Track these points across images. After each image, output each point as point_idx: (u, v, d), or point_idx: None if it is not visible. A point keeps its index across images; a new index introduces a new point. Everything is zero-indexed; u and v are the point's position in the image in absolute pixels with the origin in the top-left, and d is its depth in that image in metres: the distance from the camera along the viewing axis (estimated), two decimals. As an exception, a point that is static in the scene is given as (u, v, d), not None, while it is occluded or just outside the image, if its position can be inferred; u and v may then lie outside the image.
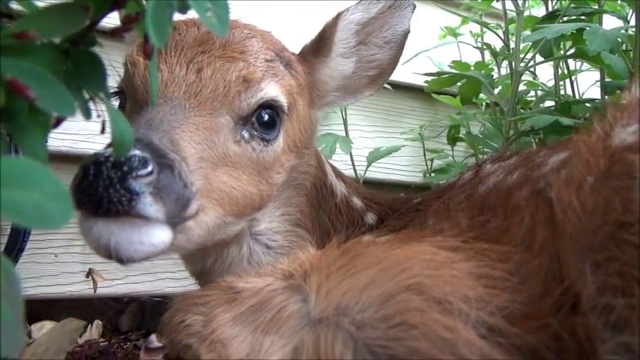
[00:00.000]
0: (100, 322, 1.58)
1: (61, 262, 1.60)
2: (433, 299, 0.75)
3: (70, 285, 1.60)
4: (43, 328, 1.43)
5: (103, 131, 0.62)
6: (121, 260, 0.79)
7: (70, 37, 0.58)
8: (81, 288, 1.60)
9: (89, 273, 1.50)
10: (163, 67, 0.95)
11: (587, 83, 1.84)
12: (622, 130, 0.74)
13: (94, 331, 1.53)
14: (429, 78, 1.76)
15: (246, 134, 0.98)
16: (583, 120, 1.42)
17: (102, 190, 0.74)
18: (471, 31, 1.99)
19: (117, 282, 1.66)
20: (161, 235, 0.81)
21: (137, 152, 0.77)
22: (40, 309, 1.63)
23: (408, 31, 1.19)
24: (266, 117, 1.00)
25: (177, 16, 1.03)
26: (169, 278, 1.73)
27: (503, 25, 1.73)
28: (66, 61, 0.57)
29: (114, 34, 0.56)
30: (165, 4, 0.50)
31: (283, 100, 1.03)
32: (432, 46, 1.90)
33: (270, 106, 1.01)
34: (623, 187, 0.68)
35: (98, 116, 0.63)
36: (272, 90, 1.00)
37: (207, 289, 1.03)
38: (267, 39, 1.08)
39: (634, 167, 0.68)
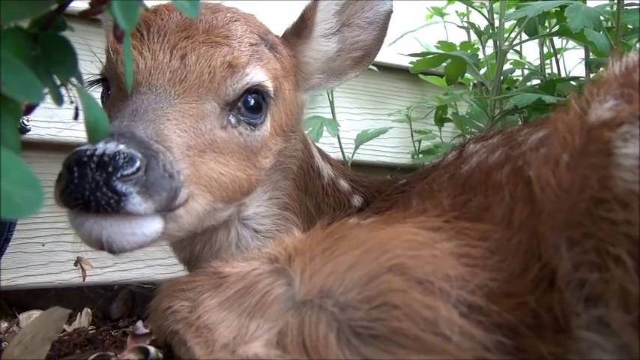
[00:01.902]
0: (89, 311, 1.58)
1: (49, 251, 1.60)
2: (415, 279, 0.75)
3: (59, 274, 1.60)
4: (31, 317, 1.42)
5: (76, 117, 0.61)
6: (113, 251, 0.80)
7: (38, 22, 0.57)
8: (70, 277, 1.59)
9: (77, 261, 1.49)
10: (146, 54, 0.94)
11: (573, 61, 1.84)
12: (598, 106, 0.74)
13: (84, 319, 1.53)
14: (415, 59, 1.75)
15: (232, 119, 0.98)
16: (567, 98, 1.42)
17: (88, 194, 0.74)
18: (456, 11, 1.98)
19: (106, 270, 1.66)
20: (152, 226, 0.81)
21: (122, 147, 0.76)
22: (28, 298, 1.63)
23: (391, 11, 1.18)
24: (252, 101, 1.00)
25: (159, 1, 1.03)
26: (159, 265, 1.73)
27: (488, 4, 1.72)
28: (35, 46, 0.56)
29: (82, 17, 0.55)
30: (132, -14, 0.49)
31: (269, 85, 1.02)
32: (419, 26, 1.89)
33: (257, 90, 1.00)
34: (599, 164, 0.68)
35: (71, 102, 0.62)
36: (258, 75, 1.00)
37: (194, 275, 1.03)
38: (250, 22, 1.07)
39: (610, 144, 0.68)
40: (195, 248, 1.12)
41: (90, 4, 0.55)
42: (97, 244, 0.78)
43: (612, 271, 0.63)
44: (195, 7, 0.53)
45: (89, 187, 0.74)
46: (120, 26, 0.50)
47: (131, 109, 0.87)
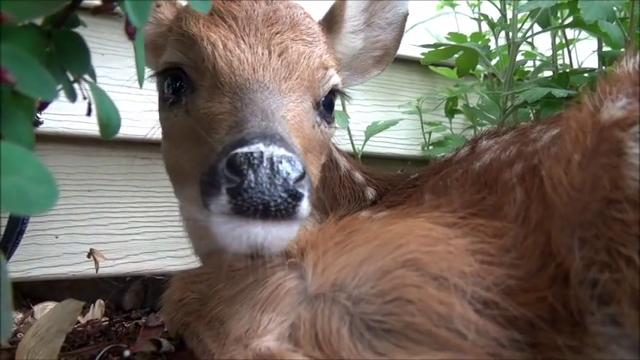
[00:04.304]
0: (102, 302, 1.59)
1: (62, 243, 1.61)
2: (429, 275, 0.75)
3: (72, 265, 1.61)
4: (46, 308, 1.44)
5: (89, 113, 0.61)
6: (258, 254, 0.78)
7: (52, 19, 0.57)
8: (83, 268, 1.61)
9: (90, 253, 1.50)
10: (244, 47, 0.91)
11: (586, 52, 1.82)
12: (611, 104, 0.73)
13: (97, 310, 1.54)
14: (426, 50, 1.73)
15: (318, 118, 0.99)
16: (579, 90, 1.41)
17: (268, 199, 0.72)
18: (467, 1, 1.95)
19: (119, 261, 1.67)
20: (297, 228, 0.80)
21: (284, 151, 0.74)
22: (43, 290, 1.65)
23: (407, 14, 1.21)
24: (329, 101, 1.01)
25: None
26: (170, 257, 1.74)
27: (499, -5, 1.70)
28: (49, 43, 0.56)
29: (95, 13, 0.55)
30: (145, -18, 0.49)
31: (341, 85, 1.04)
32: (430, 17, 1.87)
33: (335, 91, 1.02)
34: (611, 165, 0.67)
35: (84, 98, 0.62)
36: (336, 77, 1.02)
37: (206, 268, 1.03)
38: (311, 17, 1.08)
39: (622, 144, 0.67)
40: None
41: (102, 1, 0.55)
42: (250, 248, 0.76)
43: (623, 271, 0.62)
44: (207, 2, 0.53)
45: (268, 192, 0.72)
46: (131, 22, 0.50)
47: (259, 107, 0.84)
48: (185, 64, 0.95)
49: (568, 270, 0.69)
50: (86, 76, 0.61)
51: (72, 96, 0.58)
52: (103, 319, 1.45)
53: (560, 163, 0.75)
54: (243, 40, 0.92)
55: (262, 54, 0.91)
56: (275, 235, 0.75)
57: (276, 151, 0.74)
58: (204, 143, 0.83)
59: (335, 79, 1.01)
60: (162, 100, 1.00)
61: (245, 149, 0.73)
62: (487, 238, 0.78)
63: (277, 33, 0.95)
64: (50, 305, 1.46)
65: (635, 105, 0.71)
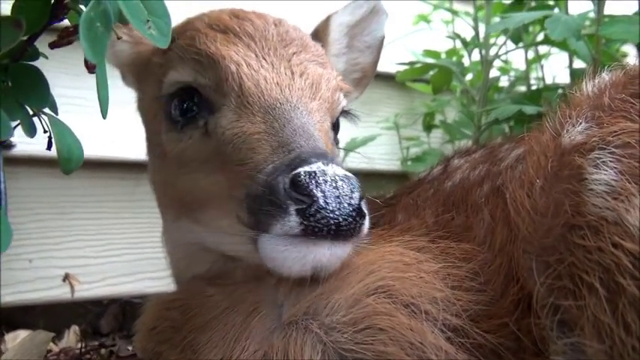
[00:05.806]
0: (77, 328, 1.56)
1: (37, 268, 1.58)
2: (400, 302, 0.75)
3: (48, 290, 1.58)
4: (18, 337, 1.40)
5: (49, 148, 0.60)
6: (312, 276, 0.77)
7: (9, 52, 0.56)
8: (59, 292, 1.57)
9: (65, 277, 1.48)
10: (267, 66, 0.91)
11: (560, 66, 1.84)
12: (571, 128, 0.74)
13: (71, 337, 1.51)
14: (402, 68, 1.74)
15: (333, 139, 0.99)
16: (552, 106, 1.42)
17: (339, 219, 0.71)
18: (442, 19, 1.97)
19: (96, 285, 1.64)
20: (352, 247, 0.79)
21: (341, 170, 0.74)
22: (18, 315, 1.61)
23: (384, 37, 1.23)
24: (337, 122, 1.02)
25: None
26: (149, 278, 1.72)
27: (472, 12, 1.72)
28: (6, 77, 0.55)
29: (52, 47, 0.54)
30: (101, 18, 0.48)
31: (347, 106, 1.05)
32: (406, 33, 1.88)
33: (344, 112, 1.04)
34: (572, 190, 0.68)
35: (45, 131, 0.61)
36: (344, 99, 1.02)
37: (181, 293, 1.02)
38: None
39: (582, 170, 0.68)
40: (214, 266, 1.02)
41: (58, 36, 0.54)
42: (309, 270, 0.75)
43: (586, 299, 0.62)
44: (166, 36, 0.52)
45: (339, 212, 0.71)
46: (87, 59, 0.49)
47: (299, 126, 0.82)
48: (201, 83, 0.92)
49: (531, 295, 0.69)
50: (47, 109, 0.60)
51: (30, 131, 0.56)
52: (77, 347, 1.42)
53: (523, 186, 0.75)
54: (265, 60, 0.92)
55: (285, 74, 0.91)
56: (337, 254, 0.75)
57: (336, 170, 0.74)
58: (239, 164, 0.82)
59: (344, 101, 1.02)
60: (170, 122, 0.95)
61: (307, 168, 0.72)
62: (457, 261, 0.78)
63: (294, 54, 0.95)
64: (23, 334, 1.42)
65: (594, 130, 0.71)
